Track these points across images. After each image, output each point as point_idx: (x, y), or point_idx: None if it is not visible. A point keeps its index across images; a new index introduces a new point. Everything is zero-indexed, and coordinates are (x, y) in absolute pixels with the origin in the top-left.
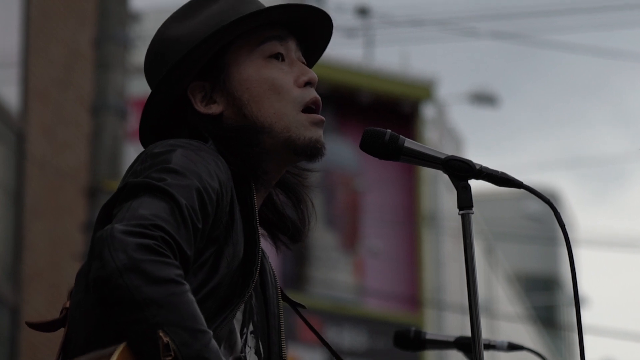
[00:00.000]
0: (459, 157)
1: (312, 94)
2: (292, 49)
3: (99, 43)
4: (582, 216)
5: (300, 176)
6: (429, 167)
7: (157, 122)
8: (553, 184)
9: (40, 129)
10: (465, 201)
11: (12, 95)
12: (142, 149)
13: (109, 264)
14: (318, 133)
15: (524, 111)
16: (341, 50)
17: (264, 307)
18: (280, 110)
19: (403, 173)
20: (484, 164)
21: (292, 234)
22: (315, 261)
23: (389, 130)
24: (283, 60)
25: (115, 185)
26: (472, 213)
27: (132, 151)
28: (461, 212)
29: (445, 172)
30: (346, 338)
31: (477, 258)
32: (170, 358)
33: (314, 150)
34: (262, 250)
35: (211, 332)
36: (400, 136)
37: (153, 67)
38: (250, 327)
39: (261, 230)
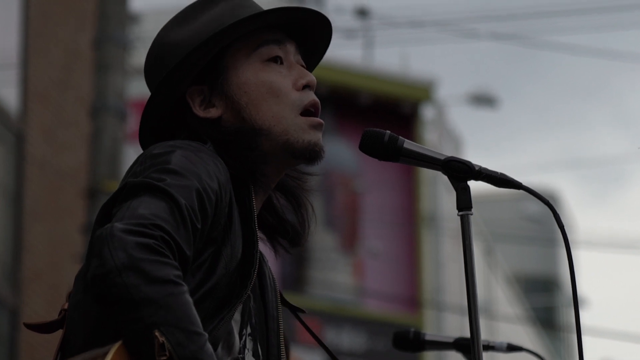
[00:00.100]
0: (458, 158)
1: (310, 97)
2: (291, 52)
3: (99, 44)
4: (581, 217)
5: (300, 180)
6: (429, 168)
7: (156, 124)
8: (552, 185)
9: (40, 130)
10: (464, 202)
11: (11, 97)
12: (142, 150)
13: (108, 262)
14: (317, 136)
15: (523, 112)
16: (341, 51)
17: (263, 310)
18: (278, 113)
19: (402, 174)
20: (483, 165)
21: (291, 237)
22: (314, 262)
23: (388, 132)
24: (282, 63)
25: (114, 186)
26: (472, 214)
27: (132, 152)
28: (460, 213)
29: (445, 173)
30: (345, 339)
31: (477, 259)
32: (165, 358)
33: (312, 154)
34: (262, 254)
35: (207, 335)
36: (400, 137)
37: (153, 70)
38: (249, 330)
39: (260, 234)
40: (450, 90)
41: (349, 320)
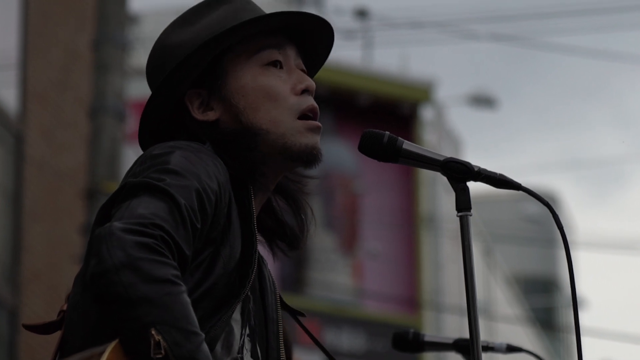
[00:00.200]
0: (458, 159)
1: (309, 101)
2: (291, 56)
3: (98, 45)
4: (580, 218)
5: (300, 183)
6: (428, 169)
7: (156, 126)
8: (552, 185)
9: (39, 131)
10: (463, 203)
11: (10, 97)
12: (141, 152)
13: (106, 260)
14: (314, 139)
15: (523, 113)
16: (340, 52)
17: (263, 312)
18: (276, 117)
19: (402, 175)
20: (483, 166)
21: (290, 241)
22: (314, 263)
23: (387, 133)
24: (281, 67)
25: (114, 187)
26: (471, 215)
27: (131, 153)
28: (459, 214)
29: (444, 174)
30: (345, 340)
31: (476, 260)
32: (160, 356)
33: (310, 157)
34: (261, 257)
35: (203, 335)
36: (399, 138)
37: (154, 72)
38: (247, 330)
39: (259, 236)
40: (449, 91)
41: (349, 321)
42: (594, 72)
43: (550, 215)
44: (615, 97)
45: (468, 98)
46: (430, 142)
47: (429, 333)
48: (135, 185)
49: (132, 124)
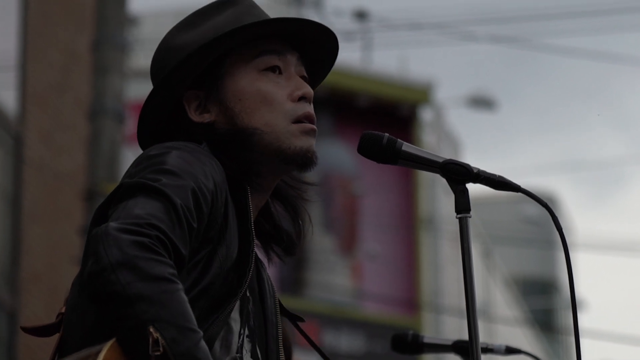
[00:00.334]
0: (457, 161)
1: (305, 108)
2: (291, 63)
3: (97, 47)
4: (580, 220)
5: (300, 189)
6: (427, 170)
7: (156, 127)
8: (551, 187)
9: (38, 132)
10: (462, 205)
11: (10, 99)
12: (141, 152)
13: (103, 259)
14: (309, 142)
15: (522, 115)
16: (339, 53)
17: (262, 315)
18: (270, 121)
19: (401, 177)
20: (482, 168)
21: (285, 246)
22: (313, 265)
23: (386, 134)
24: (280, 73)
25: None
26: (470, 217)
27: (130, 155)
28: (459, 215)
29: (443, 175)
30: (344, 341)
31: (475, 261)
32: (159, 353)
33: (304, 160)
34: (260, 261)
35: (201, 332)
36: (398, 140)
37: (157, 73)
38: (247, 331)
39: (256, 241)
40: (448, 92)
41: (348, 323)
42: (593, 73)
43: (550, 216)
44: (615, 98)
45: (467, 99)
46: (430, 144)
47: (428, 335)
48: (131, 185)
49: (132, 125)
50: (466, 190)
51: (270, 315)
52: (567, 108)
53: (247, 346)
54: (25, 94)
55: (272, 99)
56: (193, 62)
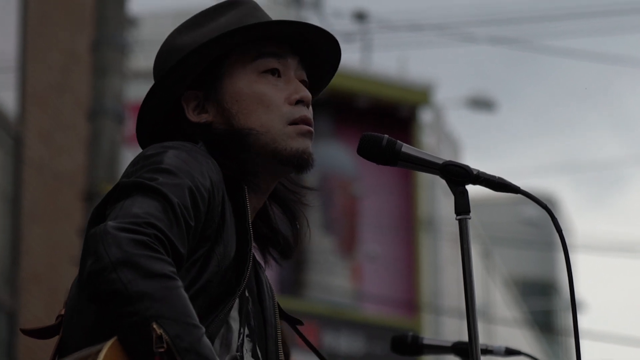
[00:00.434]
0: (456, 162)
1: (302, 112)
2: (291, 66)
3: (97, 47)
4: (579, 221)
5: (299, 193)
6: (427, 172)
7: (155, 127)
8: (551, 188)
9: (38, 133)
10: (462, 206)
11: (9, 100)
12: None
13: (103, 258)
14: (305, 144)
15: (522, 116)
16: None
17: (262, 316)
18: (267, 122)
19: (400, 178)
20: (482, 169)
21: (282, 249)
22: (312, 266)
23: (386, 136)
24: (280, 76)
25: None
26: (470, 218)
27: (130, 155)
28: (458, 217)
29: (443, 177)
30: (343, 343)
31: (475, 263)
32: (163, 350)
33: (300, 161)
34: (258, 262)
35: (204, 328)
36: (398, 141)
37: (159, 73)
38: (247, 331)
39: (253, 243)
40: (448, 93)
41: (347, 324)
42: (593, 74)
43: (549, 218)
44: (615, 99)
45: (467, 101)
46: (429, 145)
47: (428, 336)
48: (128, 185)
49: (131, 126)
50: (466, 191)
51: (268, 317)
52: (566, 109)
53: (247, 345)
54: (25, 94)
55: (269, 101)
56: (192, 62)
